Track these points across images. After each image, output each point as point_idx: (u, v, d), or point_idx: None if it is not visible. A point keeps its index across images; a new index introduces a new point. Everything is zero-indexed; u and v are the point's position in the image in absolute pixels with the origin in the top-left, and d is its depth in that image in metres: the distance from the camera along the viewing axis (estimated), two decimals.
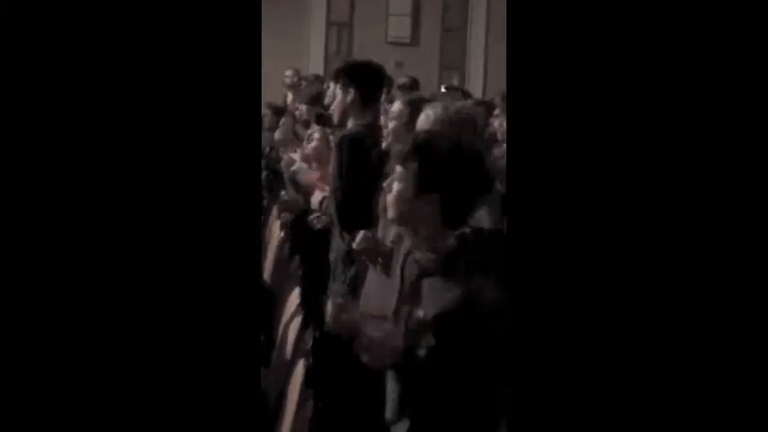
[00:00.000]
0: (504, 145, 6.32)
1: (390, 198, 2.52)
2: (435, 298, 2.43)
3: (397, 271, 2.67)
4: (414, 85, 7.91)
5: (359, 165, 3.71)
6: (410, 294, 2.51)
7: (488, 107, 7.48)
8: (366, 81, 4.05)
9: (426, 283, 2.48)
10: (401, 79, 8.08)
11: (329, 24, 15.62)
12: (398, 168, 2.51)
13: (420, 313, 2.42)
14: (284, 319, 3.82)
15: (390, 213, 2.55)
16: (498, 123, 6.56)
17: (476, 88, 13.44)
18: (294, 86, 9.15)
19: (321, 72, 11.79)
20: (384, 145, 3.57)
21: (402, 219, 2.53)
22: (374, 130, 3.87)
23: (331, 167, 4.07)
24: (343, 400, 3.12)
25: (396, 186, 2.50)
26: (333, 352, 3.05)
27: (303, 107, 6.68)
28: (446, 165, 2.46)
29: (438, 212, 2.45)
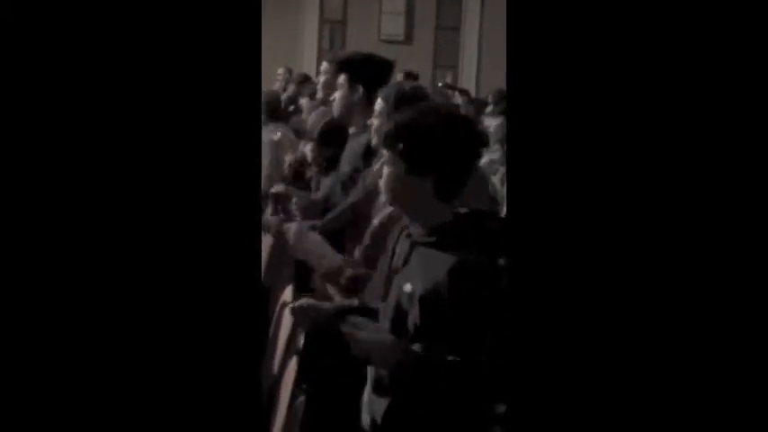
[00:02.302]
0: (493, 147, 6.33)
1: (383, 182, 2.54)
2: (425, 268, 2.44)
3: (389, 249, 2.69)
4: (410, 77, 7.88)
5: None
6: (401, 266, 2.54)
7: (480, 105, 7.48)
8: (375, 80, 4.01)
9: (416, 254, 2.50)
10: (397, 75, 8.07)
11: (322, 22, 15.65)
12: (386, 152, 2.53)
13: (408, 287, 2.45)
14: (276, 316, 3.82)
15: (384, 197, 2.58)
16: (488, 123, 6.54)
17: (469, 86, 13.47)
18: (286, 84, 9.17)
19: (314, 70, 11.81)
20: (373, 142, 3.54)
21: (396, 199, 2.55)
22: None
23: (341, 168, 4.04)
24: (335, 397, 3.12)
25: (386, 170, 2.52)
26: (325, 350, 3.05)
27: (304, 100, 6.69)
28: (432, 143, 2.46)
29: (430, 189, 2.47)
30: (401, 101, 3.31)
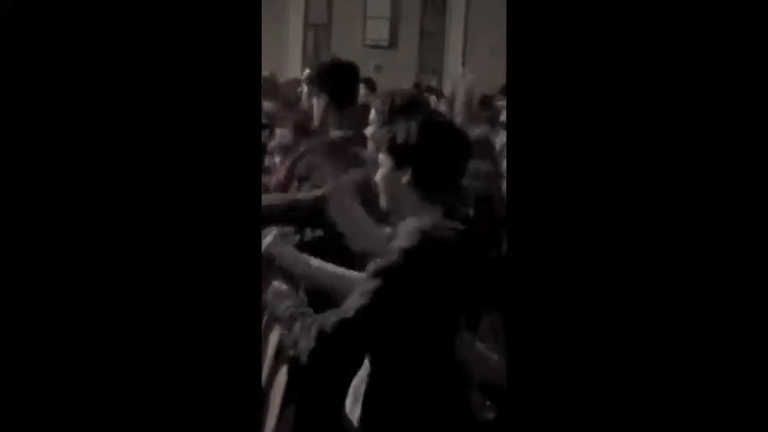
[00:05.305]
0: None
1: (378, 183, 2.59)
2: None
3: None
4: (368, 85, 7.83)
5: None
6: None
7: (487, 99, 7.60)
8: (336, 84, 4.02)
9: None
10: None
11: (307, 26, 15.62)
12: (380, 155, 2.58)
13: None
14: (264, 325, 3.81)
15: (381, 201, 2.61)
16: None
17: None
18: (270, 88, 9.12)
19: (299, 74, 11.78)
20: (369, 149, 3.55)
21: (389, 201, 2.59)
22: (358, 138, 3.85)
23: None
24: (327, 405, 3.12)
25: (379, 173, 2.57)
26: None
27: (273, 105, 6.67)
28: (414, 138, 2.51)
29: (414, 186, 2.49)
30: (393, 110, 3.34)
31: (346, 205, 3.00)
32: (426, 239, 2.41)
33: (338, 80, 4.01)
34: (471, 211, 2.82)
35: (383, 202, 2.61)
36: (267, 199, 3.43)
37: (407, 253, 2.38)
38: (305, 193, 3.58)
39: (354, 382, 2.67)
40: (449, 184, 2.55)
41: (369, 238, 2.93)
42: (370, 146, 3.49)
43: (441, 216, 2.49)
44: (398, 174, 2.51)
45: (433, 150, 2.50)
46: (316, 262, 2.89)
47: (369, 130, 3.51)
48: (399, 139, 2.52)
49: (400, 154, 2.51)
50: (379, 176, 2.59)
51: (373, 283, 2.36)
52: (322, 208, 3.39)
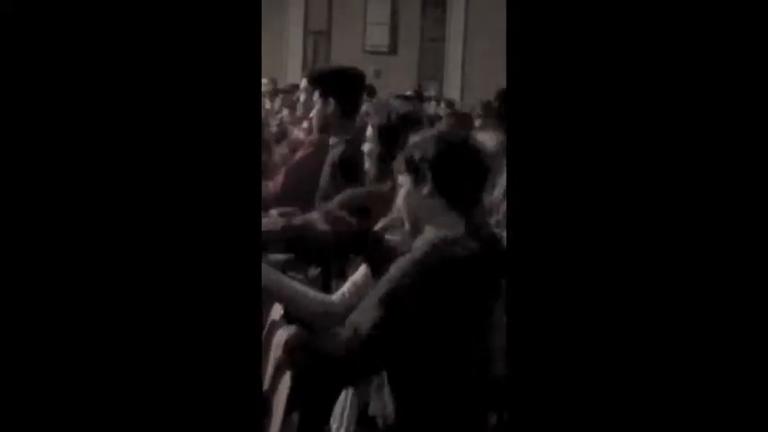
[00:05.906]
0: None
1: (400, 206, 2.58)
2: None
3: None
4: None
5: (351, 185, 3.68)
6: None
7: (465, 119, 7.43)
8: (346, 91, 4.04)
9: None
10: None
11: (307, 33, 15.66)
12: (400, 177, 2.58)
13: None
14: (266, 329, 3.81)
15: (405, 222, 2.61)
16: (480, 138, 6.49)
17: (453, 97, 13.50)
18: (270, 95, 9.15)
19: (299, 81, 11.81)
20: (366, 166, 3.53)
21: (413, 219, 2.58)
22: (359, 145, 3.84)
23: (321, 184, 4.04)
24: (331, 410, 3.12)
25: (401, 193, 2.57)
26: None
27: (285, 111, 6.72)
28: (431, 151, 2.51)
29: (435, 196, 2.50)
30: (389, 127, 3.33)
31: (276, 287, 2.98)
32: (436, 253, 2.42)
33: (346, 88, 4.03)
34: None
35: (406, 221, 2.60)
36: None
37: (416, 264, 2.39)
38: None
39: (337, 409, 2.68)
40: (469, 196, 2.55)
41: (305, 304, 2.93)
42: (368, 163, 3.48)
43: (463, 230, 2.49)
44: (418, 189, 2.52)
45: (450, 160, 2.51)
46: (299, 286, 2.88)
47: (366, 147, 3.49)
48: (416, 157, 2.52)
49: (419, 170, 2.51)
50: (400, 197, 2.58)
51: (386, 296, 2.36)
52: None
